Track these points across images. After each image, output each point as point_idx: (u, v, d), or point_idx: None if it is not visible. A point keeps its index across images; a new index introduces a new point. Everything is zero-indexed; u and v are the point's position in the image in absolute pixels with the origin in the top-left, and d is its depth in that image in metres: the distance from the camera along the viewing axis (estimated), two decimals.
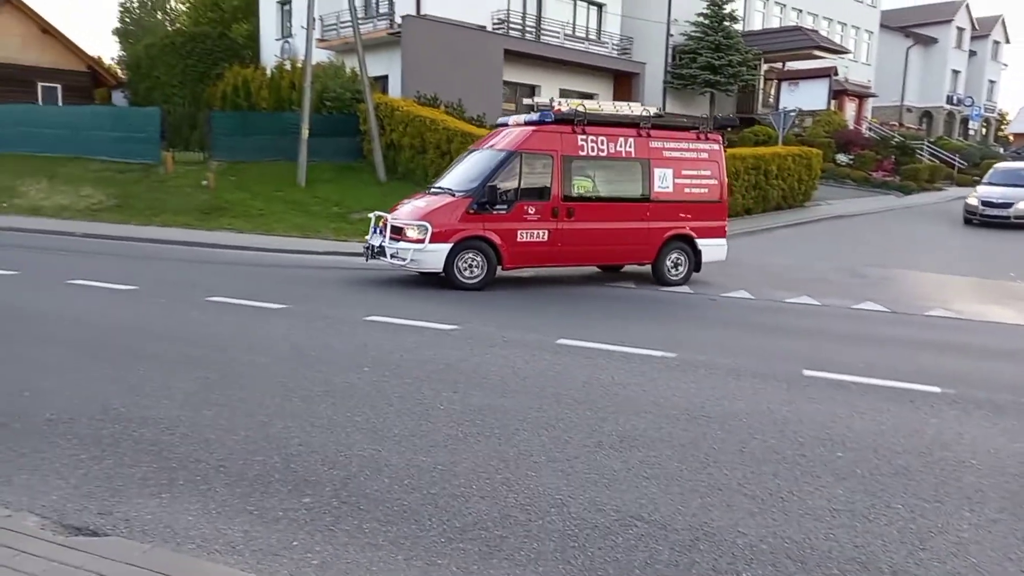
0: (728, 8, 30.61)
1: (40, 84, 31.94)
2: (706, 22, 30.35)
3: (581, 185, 11.11)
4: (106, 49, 61.62)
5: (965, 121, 47.92)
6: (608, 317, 9.16)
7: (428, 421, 4.97)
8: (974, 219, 21.11)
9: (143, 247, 14.12)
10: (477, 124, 21.29)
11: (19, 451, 4.23)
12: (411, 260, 10.30)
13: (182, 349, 6.52)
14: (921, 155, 32.96)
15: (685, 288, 11.60)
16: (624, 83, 28.77)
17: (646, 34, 30.03)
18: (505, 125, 11.71)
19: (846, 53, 35.66)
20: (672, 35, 31.09)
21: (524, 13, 26.27)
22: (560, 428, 4.94)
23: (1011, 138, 52.93)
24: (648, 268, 11.92)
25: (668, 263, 11.75)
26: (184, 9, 43.78)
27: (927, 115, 47.83)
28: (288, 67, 24.28)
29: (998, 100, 55.31)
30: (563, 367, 6.48)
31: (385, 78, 24.15)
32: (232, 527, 3.49)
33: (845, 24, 39.79)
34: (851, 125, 34.26)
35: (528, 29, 26.42)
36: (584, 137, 11.00)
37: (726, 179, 12.31)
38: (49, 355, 6.14)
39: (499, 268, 10.69)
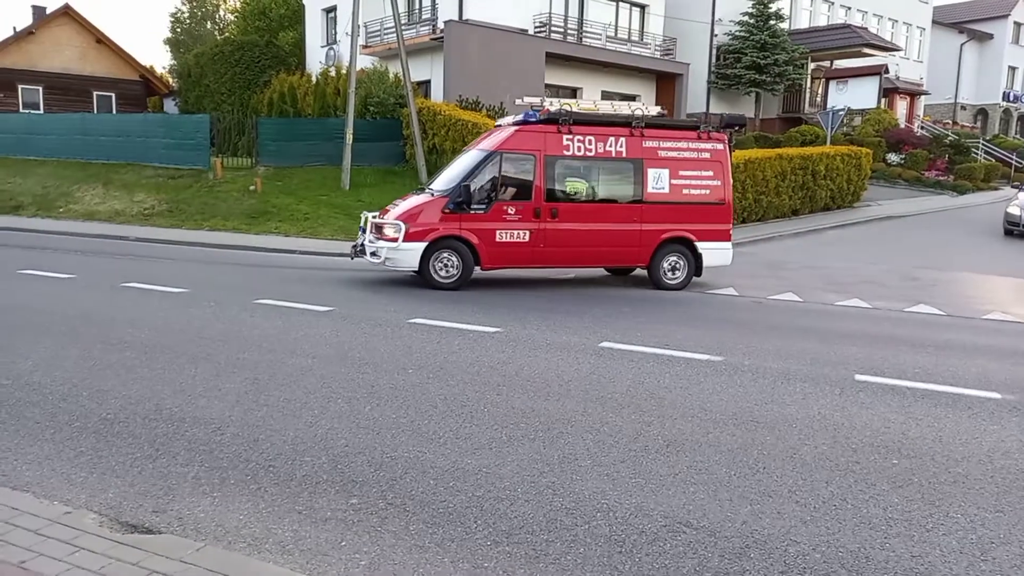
0: (774, 7, 30.11)
1: (95, 93, 33.07)
2: (751, 21, 29.89)
3: (566, 185, 10.93)
4: (158, 58, 63.49)
5: (1022, 119, 46.28)
6: (651, 320, 9.06)
7: (472, 423, 4.98)
8: (1016, 230, 19.15)
9: (194, 251, 14.47)
10: None
11: (77, 450, 4.36)
12: (386, 258, 10.43)
13: (232, 351, 6.65)
14: (976, 154, 31.92)
15: (731, 290, 11.42)
16: (667, 84, 28.49)
17: (690, 34, 29.70)
18: (501, 126, 11.68)
19: (897, 50, 34.76)
20: (716, 35, 30.68)
21: (566, 16, 26.22)
22: (605, 432, 4.89)
23: None
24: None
25: (665, 266, 11.36)
26: (232, 19, 44.86)
27: (982, 113, 46.29)
28: (333, 73, 24.66)
29: None
30: (607, 370, 6.42)
31: (428, 83, 24.36)
32: (282, 527, 3.53)
33: (896, 21, 38.78)
34: (902, 124, 33.35)
35: (570, 32, 26.36)
36: (570, 137, 10.77)
37: (731, 180, 11.77)
38: (105, 357, 6.32)
39: (477, 268, 10.65)
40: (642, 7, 28.53)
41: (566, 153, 10.78)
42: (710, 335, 8.21)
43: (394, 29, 21.10)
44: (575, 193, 11.00)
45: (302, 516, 3.64)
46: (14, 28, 33.17)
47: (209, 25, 50.06)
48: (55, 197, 20.54)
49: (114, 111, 32.34)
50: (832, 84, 31.57)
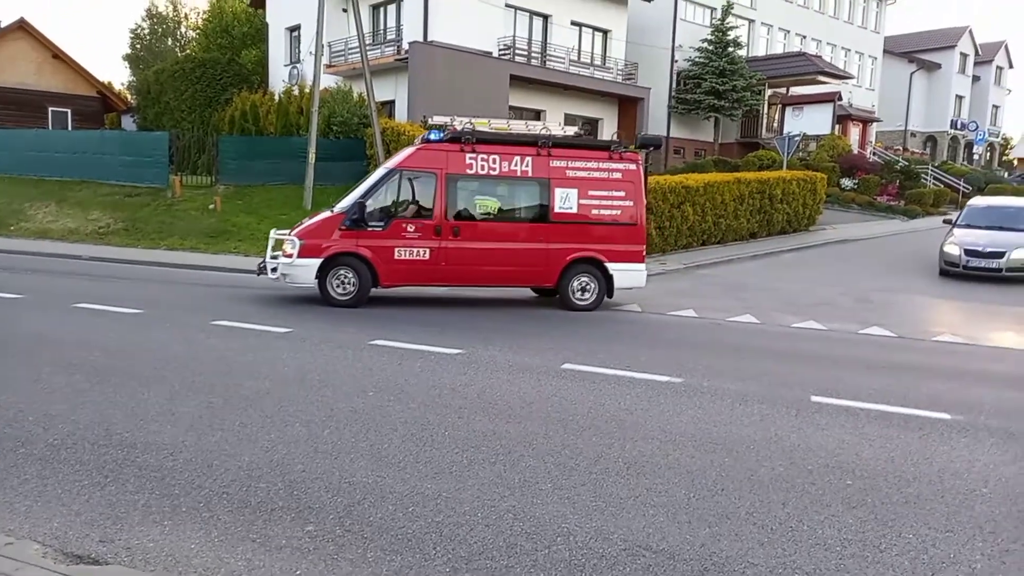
0: (732, 34, 30.92)
1: (51, 109, 32.31)
2: (710, 48, 30.65)
3: (468, 203, 11.03)
4: (116, 74, 62.47)
5: (969, 146, 47.97)
6: (613, 341, 9.12)
7: (432, 447, 4.93)
8: (953, 271, 16.18)
9: (150, 271, 14.17)
10: None
11: (22, 477, 4.21)
12: (282, 274, 10.63)
13: (187, 373, 6.51)
14: (925, 179, 32.99)
15: (690, 312, 11.56)
16: (629, 108, 28.97)
17: (651, 60, 30.31)
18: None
19: (850, 78, 35.89)
20: (676, 60, 31.38)
21: (530, 39, 26.55)
22: (566, 455, 4.89)
23: (1015, 163, 52.95)
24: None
25: (574, 287, 11.25)
26: (194, 36, 44.42)
27: (931, 140, 47.93)
28: (296, 92, 24.53)
29: (1002, 125, 55.42)
30: (568, 392, 6.44)
31: (392, 103, 24.39)
32: (235, 556, 3.44)
33: (849, 50, 40.11)
34: (855, 150, 34.36)
35: (534, 55, 26.68)
36: (473, 156, 10.83)
37: (644, 200, 11.55)
38: (54, 380, 6.14)
39: (376, 286, 10.72)
40: (604, 32, 29.03)
41: (468, 172, 10.84)
42: (670, 356, 8.29)
43: (358, 49, 21.10)
44: (479, 211, 11.08)
45: (256, 544, 3.56)
46: None
47: (170, 42, 49.44)
48: (6, 215, 19.97)
49: (70, 127, 31.60)
50: (788, 110, 32.48)
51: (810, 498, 4.37)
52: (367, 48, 21.20)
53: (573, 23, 27.63)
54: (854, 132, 36.77)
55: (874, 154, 36.14)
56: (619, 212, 11.34)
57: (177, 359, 7.06)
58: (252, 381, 6.36)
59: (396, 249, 10.64)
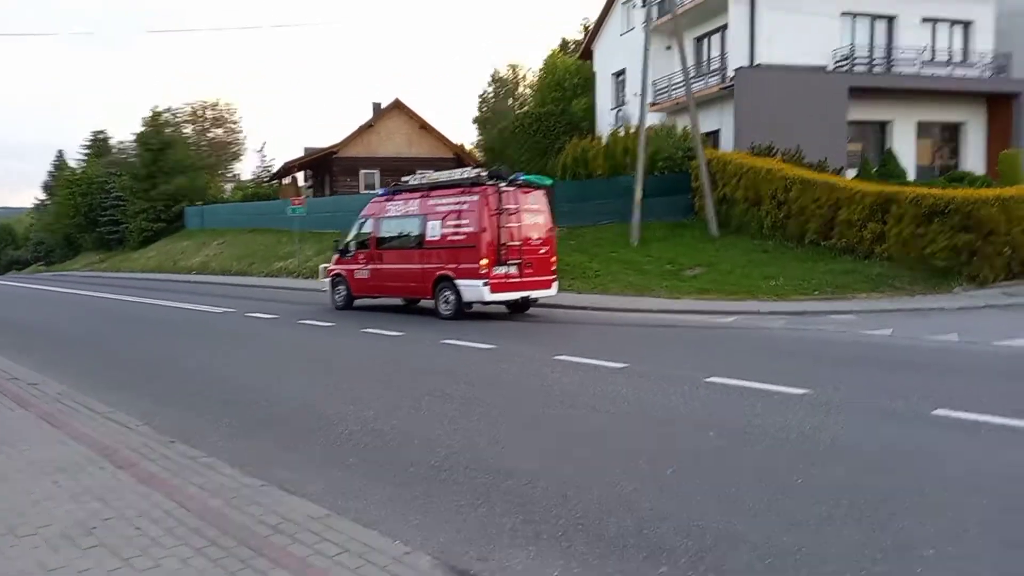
0: None
1: (418, 172, 37.85)
2: None
3: (385, 237, 15.49)
4: (467, 136, 71.53)
5: None
6: (991, 381, 7.70)
7: (786, 496, 4.61)
8: None
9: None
10: (817, 170, 19.98)
11: (413, 493, 4.86)
12: (323, 288, 17.44)
13: (537, 405, 7.01)
14: None
15: None
16: (1001, 107, 24.77)
17: None
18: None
19: None
20: None
21: (871, 45, 24.28)
22: (950, 518, 4.21)
23: None
24: None
25: (440, 299, 14.12)
26: (530, 92, 48.84)
27: None
28: (622, 133, 25.50)
29: None
30: (947, 445, 5.57)
31: (716, 133, 24.07)
32: None
33: None
34: None
35: (876, 62, 24.30)
36: (392, 202, 15.50)
37: (486, 226, 13.36)
38: (431, 407, 7.06)
39: (355, 296, 16.29)
40: (965, 24, 25.35)
41: (387, 214, 15.52)
42: None
43: (681, 84, 21.26)
44: (390, 243, 15.33)
45: None
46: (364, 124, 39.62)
47: (510, 102, 54.95)
48: None
49: None
50: None
51: None
52: (691, 80, 21.27)
53: (925, 20, 24.69)
54: None
55: None
56: (465, 237, 13.73)
57: (528, 391, 7.65)
58: (595, 415, 6.62)
59: (356, 271, 16.00)
